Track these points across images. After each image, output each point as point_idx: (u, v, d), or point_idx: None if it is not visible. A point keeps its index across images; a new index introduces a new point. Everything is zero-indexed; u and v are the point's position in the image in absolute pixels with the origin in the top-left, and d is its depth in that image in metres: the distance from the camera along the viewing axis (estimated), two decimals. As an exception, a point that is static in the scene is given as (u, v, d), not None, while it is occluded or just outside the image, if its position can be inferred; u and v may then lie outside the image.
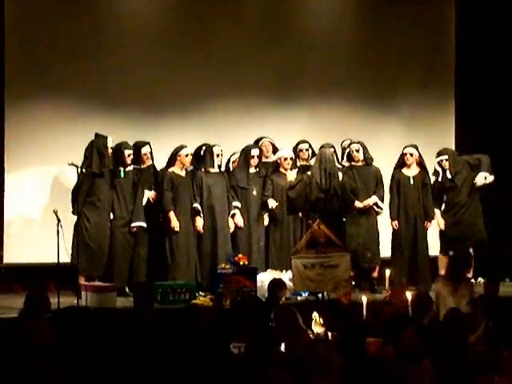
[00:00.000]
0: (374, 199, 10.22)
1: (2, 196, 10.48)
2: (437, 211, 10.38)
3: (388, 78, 11.79)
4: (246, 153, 10.19)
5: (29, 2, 10.67)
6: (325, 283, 9.10)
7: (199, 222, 9.82)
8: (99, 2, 10.97)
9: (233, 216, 10.01)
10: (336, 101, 11.55)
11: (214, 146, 10.05)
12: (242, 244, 10.04)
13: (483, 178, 10.35)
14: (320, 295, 9.14)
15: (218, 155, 10.02)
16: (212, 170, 10.02)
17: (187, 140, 10.15)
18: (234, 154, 10.38)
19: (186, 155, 9.88)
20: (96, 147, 9.66)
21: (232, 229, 10.00)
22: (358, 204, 10.15)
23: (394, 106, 11.83)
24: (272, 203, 10.08)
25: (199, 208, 9.82)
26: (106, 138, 9.75)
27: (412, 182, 10.30)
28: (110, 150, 9.75)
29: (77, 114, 10.59)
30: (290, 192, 10.11)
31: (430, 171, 10.47)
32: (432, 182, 10.44)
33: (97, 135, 9.77)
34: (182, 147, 9.91)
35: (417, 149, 10.37)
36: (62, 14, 10.68)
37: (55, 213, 8.64)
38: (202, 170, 9.97)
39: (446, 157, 10.37)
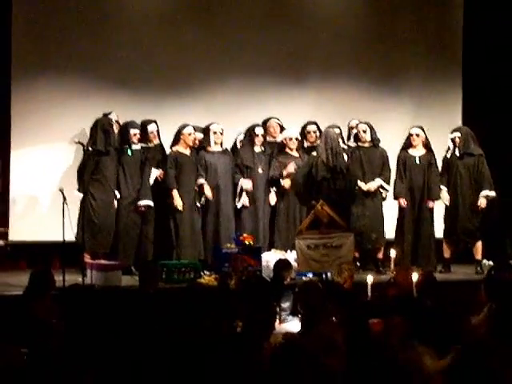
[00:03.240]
0: (378, 182, 10.18)
1: (7, 174, 10.51)
2: (443, 188, 10.30)
3: (395, 58, 11.74)
4: (250, 131, 10.17)
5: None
6: (329, 264, 9.07)
7: (207, 189, 9.77)
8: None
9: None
10: (343, 81, 11.51)
11: (212, 124, 10.02)
12: (247, 223, 10.04)
13: (485, 196, 10.14)
14: (324, 276, 9.13)
15: (215, 132, 9.97)
16: (214, 149, 10.00)
17: (193, 120, 10.14)
18: (241, 133, 10.36)
19: (189, 134, 9.85)
20: (100, 125, 9.65)
21: (240, 204, 9.98)
22: (362, 186, 10.12)
23: (401, 87, 11.78)
24: (286, 183, 10.04)
25: (204, 182, 9.80)
26: (110, 114, 9.75)
27: (418, 161, 10.26)
28: (115, 127, 9.74)
29: (82, 93, 10.58)
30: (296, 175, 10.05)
31: (437, 152, 10.43)
32: (443, 158, 10.38)
33: (103, 115, 9.78)
34: (184, 126, 9.89)
35: (423, 130, 10.33)
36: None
37: (61, 191, 8.64)
38: (204, 149, 9.97)
39: (459, 134, 10.28)
